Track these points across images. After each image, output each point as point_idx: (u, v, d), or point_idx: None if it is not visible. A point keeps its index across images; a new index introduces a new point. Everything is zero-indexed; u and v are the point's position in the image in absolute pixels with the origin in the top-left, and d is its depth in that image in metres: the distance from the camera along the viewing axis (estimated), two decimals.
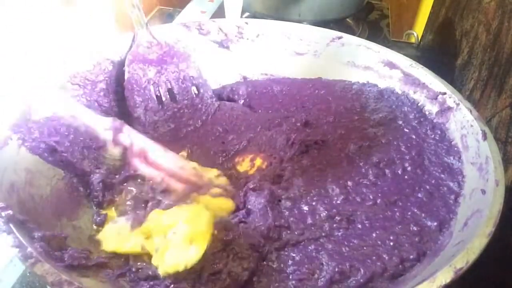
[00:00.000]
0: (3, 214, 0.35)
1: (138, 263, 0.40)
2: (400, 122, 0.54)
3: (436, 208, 0.44)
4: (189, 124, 0.57)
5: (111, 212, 0.45)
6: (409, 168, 0.49)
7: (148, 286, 0.38)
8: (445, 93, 0.51)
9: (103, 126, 0.46)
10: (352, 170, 0.49)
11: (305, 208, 0.45)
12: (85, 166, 0.46)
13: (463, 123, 0.48)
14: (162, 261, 0.37)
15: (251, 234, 0.41)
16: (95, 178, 0.46)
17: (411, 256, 0.40)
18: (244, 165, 0.50)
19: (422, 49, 0.95)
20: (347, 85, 0.60)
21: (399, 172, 0.48)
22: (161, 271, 0.37)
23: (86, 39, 0.60)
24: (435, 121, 0.52)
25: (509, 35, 0.58)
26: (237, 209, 0.46)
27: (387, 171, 0.48)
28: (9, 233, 0.34)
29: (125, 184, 0.46)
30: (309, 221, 0.43)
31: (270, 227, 0.42)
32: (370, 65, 0.59)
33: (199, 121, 0.57)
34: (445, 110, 0.51)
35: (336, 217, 0.43)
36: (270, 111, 0.59)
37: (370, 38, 0.89)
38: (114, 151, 0.46)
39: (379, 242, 0.41)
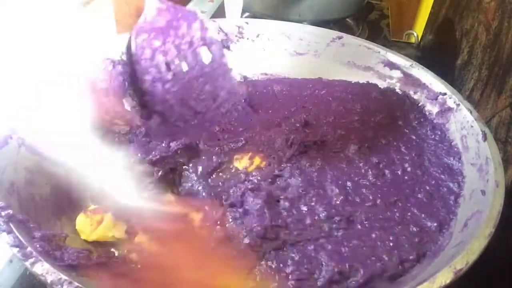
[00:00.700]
0: (3, 213, 0.35)
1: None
2: (400, 123, 0.54)
3: (436, 209, 0.44)
4: (200, 94, 0.54)
5: None
6: (409, 169, 0.48)
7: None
8: (445, 94, 0.51)
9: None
10: (352, 171, 0.48)
11: (304, 208, 0.44)
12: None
13: (463, 124, 0.48)
14: None
15: (247, 235, 0.41)
16: None
17: (411, 257, 0.39)
18: (243, 162, 0.50)
19: (422, 49, 0.95)
20: (348, 85, 0.60)
21: (399, 172, 0.48)
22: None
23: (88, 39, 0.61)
24: (435, 121, 0.52)
25: (509, 35, 0.58)
26: (232, 205, 0.46)
27: (386, 171, 0.48)
28: (9, 233, 0.34)
29: None
30: (308, 221, 0.43)
31: (267, 228, 0.42)
32: (371, 65, 0.59)
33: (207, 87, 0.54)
34: (445, 110, 0.51)
35: (335, 218, 0.43)
36: (270, 111, 0.58)
37: (370, 38, 0.89)
38: None
39: (378, 243, 0.41)
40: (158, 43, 0.56)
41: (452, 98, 0.50)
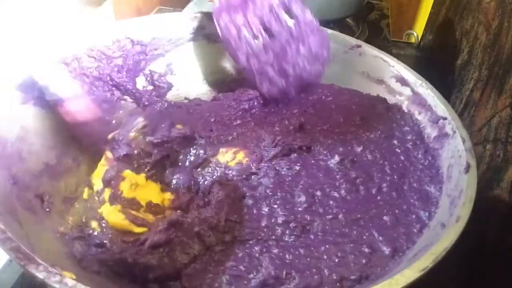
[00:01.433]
0: None
1: (90, 231, 0.42)
2: (395, 142, 0.51)
3: (396, 234, 0.41)
4: (295, 59, 0.54)
5: None
6: (385, 189, 0.46)
7: (95, 252, 0.40)
8: (446, 118, 0.48)
9: None
10: (326, 181, 0.46)
11: (265, 209, 0.43)
12: None
13: (454, 153, 0.45)
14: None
15: (199, 223, 0.41)
16: None
17: (352, 277, 0.37)
18: (226, 156, 0.49)
19: (422, 49, 0.91)
20: (356, 95, 0.57)
21: (373, 191, 0.46)
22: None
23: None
24: (430, 145, 0.49)
25: (509, 35, 0.56)
26: (198, 193, 0.46)
27: (361, 188, 0.46)
28: None
29: None
30: (264, 222, 0.42)
31: (220, 220, 0.41)
32: (384, 79, 0.56)
33: (302, 50, 0.54)
34: (442, 136, 0.48)
35: (292, 224, 0.42)
36: (272, 110, 0.57)
37: (370, 38, 0.87)
38: None
39: (324, 256, 0.39)
40: (241, 19, 0.53)
41: (450, 124, 0.47)
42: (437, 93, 0.51)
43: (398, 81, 0.55)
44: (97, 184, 0.46)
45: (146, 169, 0.48)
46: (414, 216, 0.43)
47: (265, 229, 0.42)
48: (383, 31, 0.94)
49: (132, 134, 0.49)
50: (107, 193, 0.46)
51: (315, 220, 0.43)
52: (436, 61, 0.84)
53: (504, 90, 0.55)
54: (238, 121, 0.55)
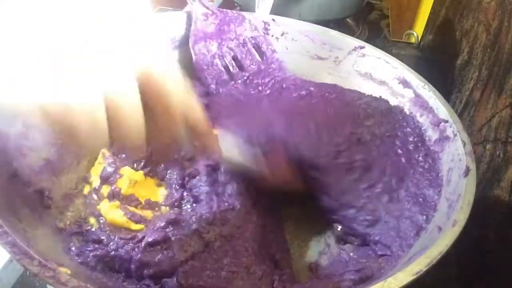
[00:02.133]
0: None
1: (88, 227, 0.42)
2: (397, 142, 0.50)
3: (393, 237, 0.42)
4: (260, 90, 0.57)
5: None
6: (378, 190, 0.46)
7: (93, 247, 0.40)
8: (447, 121, 0.47)
9: None
10: None
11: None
12: None
13: (454, 156, 0.44)
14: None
15: (196, 220, 0.41)
16: None
17: (352, 277, 0.38)
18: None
19: (422, 49, 0.90)
20: (359, 95, 0.57)
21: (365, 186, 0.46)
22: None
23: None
24: (431, 148, 0.48)
25: (509, 35, 0.56)
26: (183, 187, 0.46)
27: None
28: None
29: None
30: None
31: (215, 215, 0.41)
32: (386, 80, 0.56)
33: (267, 86, 0.57)
34: (443, 139, 0.47)
35: None
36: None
37: (370, 38, 0.86)
38: None
39: None
40: (215, 48, 0.59)
41: (452, 127, 0.46)
42: (439, 95, 0.50)
43: (401, 82, 0.55)
44: (95, 181, 0.46)
45: (141, 164, 0.48)
46: (409, 220, 0.43)
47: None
48: (383, 31, 0.94)
49: None
50: (105, 190, 0.45)
51: None
52: (436, 61, 0.84)
53: (504, 90, 0.55)
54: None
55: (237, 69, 0.59)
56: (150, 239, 0.38)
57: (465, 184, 0.39)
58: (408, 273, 0.32)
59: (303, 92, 0.57)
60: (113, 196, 0.45)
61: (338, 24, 0.84)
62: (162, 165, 0.49)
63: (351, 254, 0.45)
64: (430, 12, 0.92)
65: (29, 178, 0.42)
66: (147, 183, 0.47)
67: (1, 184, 0.38)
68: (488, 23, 0.64)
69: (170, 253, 0.38)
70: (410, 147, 0.50)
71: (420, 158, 0.49)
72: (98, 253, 0.39)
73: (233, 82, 0.58)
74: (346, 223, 0.46)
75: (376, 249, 0.41)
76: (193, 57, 0.57)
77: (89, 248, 0.40)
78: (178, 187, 0.47)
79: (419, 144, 0.50)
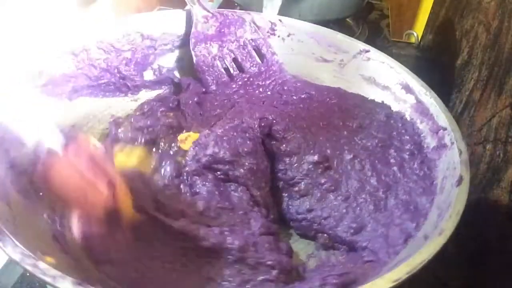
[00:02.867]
0: None
1: None
2: (391, 151, 0.50)
3: (379, 244, 0.42)
4: (260, 91, 0.58)
5: None
6: (360, 201, 0.47)
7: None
8: (446, 129, 0.47)
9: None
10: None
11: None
12: None
13: (450, 164, 0.43)
14: None
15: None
16: None
17: (334, 281, 0.38)
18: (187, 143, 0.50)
19: (422, 49, 0.90)
20: (361, 100, 0.57)
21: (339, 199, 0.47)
22: None
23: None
24: (428, 156, 0.48)
25: (509, 35, 0.55)
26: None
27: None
28: None
29: None
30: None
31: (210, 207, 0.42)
32: (389, 85, 0.55)
33: (268, 88, 0.59)
34: (440, 147, 0.47)
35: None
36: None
37: (370, 38, 0.86)
38: None
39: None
40: (216, 49, 0.59)
41: (450, 135, 0.45)
42: (440, 102, 0.50)
43: (403, 88, 0.54)
44: None
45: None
46: (399, 228, 0.43)
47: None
48: (383, 31, 0.94)
49: (120, 120, 0.51)
50: None
51: None
52: (436, 61, 0.84)
53: (504, 90, 0.55)
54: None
55: (238, 71, 0.59)
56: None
57: (456, 193, 0.39)
58: (387, 280, 0.31)
59: (304, 96, 0.57)
60: None
61: (338, 24, 0.84)
62: (155, 156, 0.51)
63: (340, 258, 0.45)
64: (430, 12, 0.92)
65: (27, 167, 0.42)
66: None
67: None
68: (488, 23, 0.64)
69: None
70: (406, 155, 0.50)
71: (415, 166, 0.48)
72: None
73: (233, 84, 0.58)
74: (328, 232, 0.47)
75: (363, 255, 0.42)
76: (194, 58, 0.58)
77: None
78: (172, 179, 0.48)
79: (416, 152, 0.50)
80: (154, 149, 0.51)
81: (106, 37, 0.55)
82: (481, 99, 0.62)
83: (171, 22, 0.60)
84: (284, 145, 0.50)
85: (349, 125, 0.53)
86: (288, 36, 0.62)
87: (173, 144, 0.51)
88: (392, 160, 0.50)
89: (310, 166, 0.49)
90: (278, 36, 0.62)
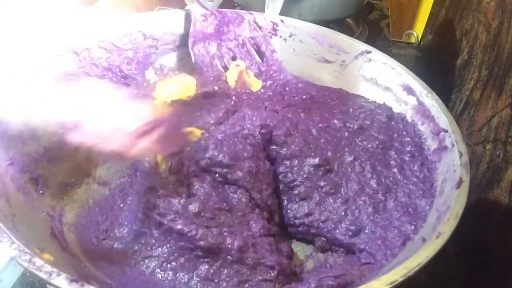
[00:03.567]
0: None
1: None
2: (392, 153, 0.50)
3: (377, 246, 0.42)
4: (261, 92, 0.58)
5: None
6: (360, 203, 0.46)
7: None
8: (446, 131, 0.46)
9: None
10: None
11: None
12: None
13: (450, 167, 0.43)
14: None
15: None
16: None
17: (330, 282, 0.38)
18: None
19: (422, 49, 0.90)
20: (362, 102, 0.56)
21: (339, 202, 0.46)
22: None
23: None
24: (429, 158, 0.48)
25: (509, 35, 0.54)
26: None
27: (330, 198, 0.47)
28: None
29: None
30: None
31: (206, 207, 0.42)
32: (391, 87, 0.55)
33: (270, 89, 0.58)
34: (441, 149, 0.46)
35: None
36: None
37: (370, 38, 0.85)
38: None
39: None
40: (214, 48, 0.59)
41: (450, 137, 0.45)
42: (441, 104, 0.49)
43: (405, 89, 0.54)
44: None
45: None
46: (397, 230, 0.42)
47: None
48: (383, 31, 0.94)
49: None
50: None
51: None
52: (436, 61, 0.84)
53: (504, 90, 0.55)
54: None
55: None
56: None
57: (456, 195, 0.39)
58: (383, 283, 0.31)
59: (305, 97, 0.57)
60: None
61: (338, 24, 0.84)
62: None
63: (338, 260, 0.45)
64: (430, 12, 0.92)
65: (27, 165, 0.42)
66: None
67: None
68: (488, 23, 0.64)
69: None
70: (406, 157, 0.49)
71: (416, 168, 0.48)
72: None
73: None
74: (326, 235, 0.46)
75: (361, 257, 0.42)
76: (193, 58, 0.57)
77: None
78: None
79: (416, 154, 0.49)
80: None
81: (108, 36, 0.55)
82: (481, 99, 0.61)
83: (172, 22, 0.60)
84: (285, 149, 0.50)
85: (350, 126, 0.53)
86: (290, 36, 0.62)
87: None
88: (392, 162, 0.49)
89: (311, 169, 0.48)
90: (280, 37, 0.62)
